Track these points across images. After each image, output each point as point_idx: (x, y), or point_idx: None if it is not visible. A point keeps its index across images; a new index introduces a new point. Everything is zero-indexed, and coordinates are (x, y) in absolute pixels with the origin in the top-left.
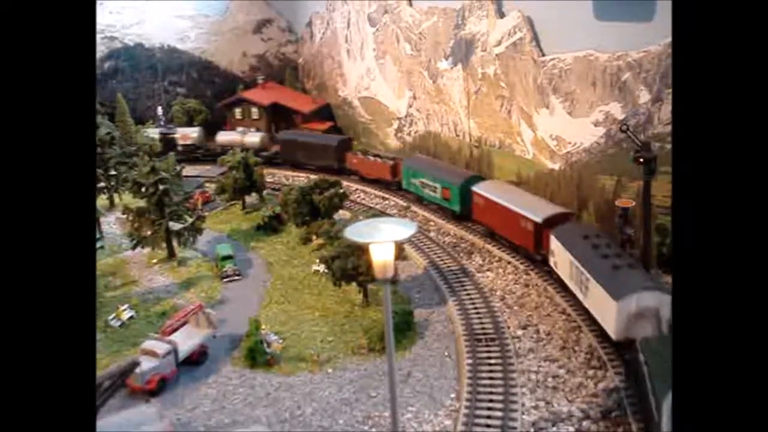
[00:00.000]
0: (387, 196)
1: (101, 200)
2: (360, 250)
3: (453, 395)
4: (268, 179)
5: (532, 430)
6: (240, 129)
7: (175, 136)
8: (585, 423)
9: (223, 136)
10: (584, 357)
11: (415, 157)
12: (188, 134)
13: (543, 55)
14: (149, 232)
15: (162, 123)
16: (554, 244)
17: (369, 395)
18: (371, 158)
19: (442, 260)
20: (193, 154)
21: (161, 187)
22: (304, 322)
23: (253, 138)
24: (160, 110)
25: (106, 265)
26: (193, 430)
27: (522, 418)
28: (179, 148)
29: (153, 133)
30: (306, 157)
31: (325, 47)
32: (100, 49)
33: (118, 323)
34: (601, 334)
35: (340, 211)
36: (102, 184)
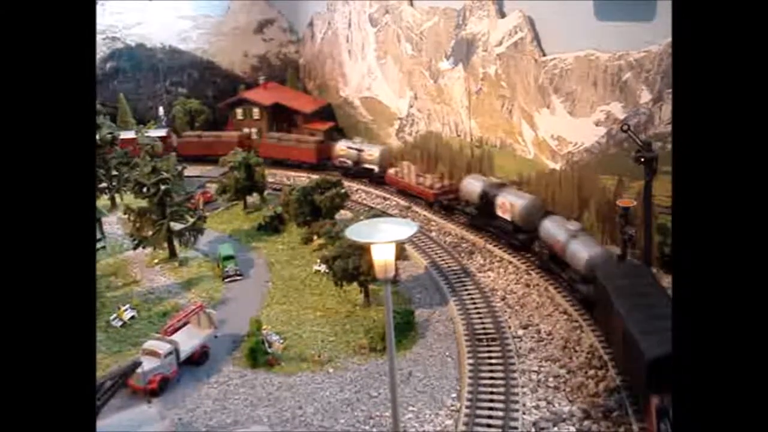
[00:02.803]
0: (388, 196)
1: (103, 200)
2: (361, 250)
3: (454, 395)
4: (270, 179)
5: (533, 429)
6: (358, 140)
7: (362, 153)
8: (586, 423)
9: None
10: (585, 357)
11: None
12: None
13: (544, 54)
14: (151, 233)
15: (163, 123)
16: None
17: (370, 395)
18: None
19: (443, 260)
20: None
21: (163, 187)
22: (306, 322)
23: (372, 151)
24: (161, 110)
25: (108, 265)
26: (194, 430)
27: (523, 417)
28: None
29: (343, 148)
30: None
31: (326, 47)
32: (102, 50)
33: (120, 323)
34: (601, 334)
35: (342, 211)
36: (103, 185)
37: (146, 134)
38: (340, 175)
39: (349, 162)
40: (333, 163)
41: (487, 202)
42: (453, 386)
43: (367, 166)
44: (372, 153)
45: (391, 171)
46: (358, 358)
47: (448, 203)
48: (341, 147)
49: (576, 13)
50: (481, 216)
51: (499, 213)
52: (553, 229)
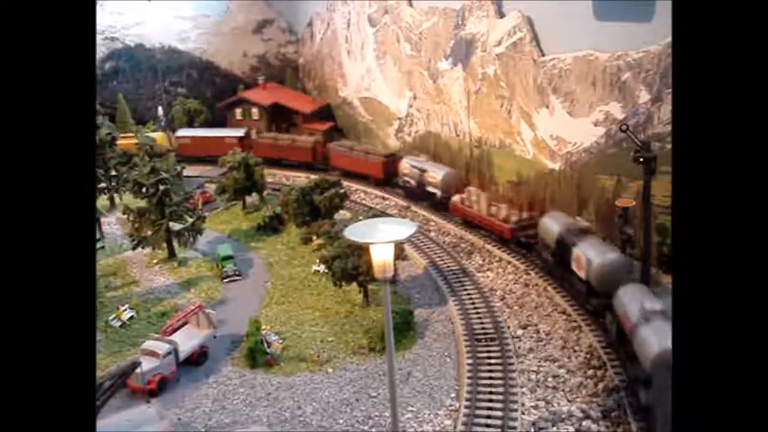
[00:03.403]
0: (387, 196)
1: (102, 201)
2: (360, 250)
3: (453, 395)
4: (269, 179)
5: (532, 429)
6: (423, 158)
7: (425, 173)
8: (585, 423)
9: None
10: (584, 357)
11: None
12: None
13: (543, 55)
14: (150, 233)
15: (162, 124)
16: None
17: (369, 395)
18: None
19: (442, 260)
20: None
21: (162, 187)
22: (305, 322)
23: (436, 173)
24: (160, 110)
25: (107, 266)
26: (193, 430)
27: (522, 417)
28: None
29: (407, 166)
30: None
31: (325, 47)
32: (101, 50)
33: (119, 323)
34: (601, 333)
35: (341, 212)
36: (102, 185)
37: (229, 134)
38: (340, 176)
39: (413, 182)
40: (398, 181)
41: (563, 250)
42: (452, 386)
43: (429, 189)
44: (435, 175)
45: (457, 198)
46: (357, 358)
47: (527, 241)
48: (405, 165)
49: (575, 14)
50: (557, 266)
51: (575, 268)
52: (628, 301)
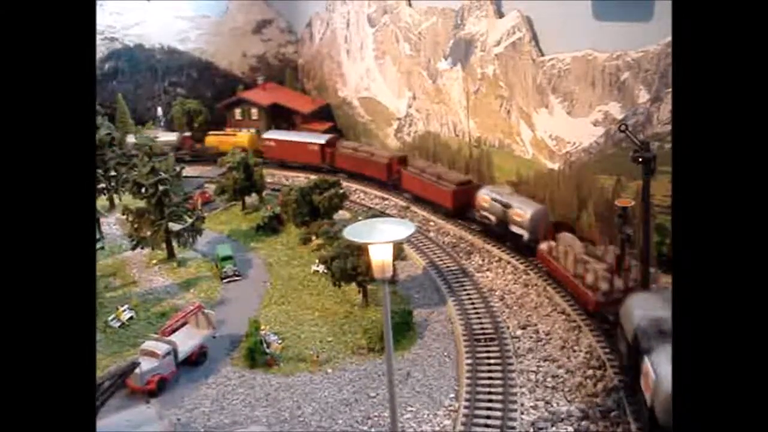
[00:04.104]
0: (387, 196)
1: (101, 201)
2: (359, 251)
3: (452, 395)
4: (268, 180)
5: (531, 429)
6: (506, 190)
7: (509, 210)
8: (584, 423)
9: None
10: (583, 357)
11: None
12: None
13: (542, 55)
14: (149, 233)
15: (161, 124)
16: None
17: (368, 395)
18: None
19: (441, 260)
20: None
21: (161, 187)
22: (304, 323)
23: (523, 210)
24: (160, 111)
25: (106, 266)
26: (192, 430)
27: (521, 417)
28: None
29: (486, 199)
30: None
31: (324, 48)
32: (100, 50)
33: (118, 324)
34: (600, 334)
35: (340, 212)
36: (102, 185)
37: (312, 140)
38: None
39: (493, 218)
40: (473, 215)
41: (635, 352)
42: (451, 386)
43: (514, 229)
44: (522, 213)
45: (545, 246)
46: (357, 358)
47: (615, 320)
48: (484, 196)
49: (574, 14)
50: (629, 370)
51: (642, 384)
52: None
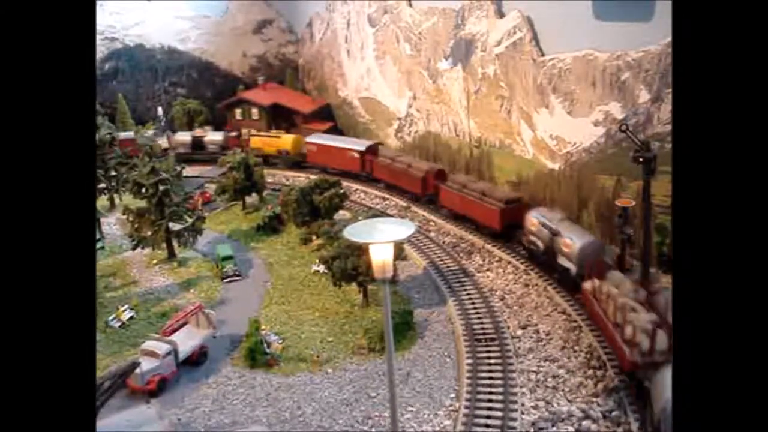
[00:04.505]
0: (387, 196)
1: (101, 201)
2: (360, 251)
3: (453, 395)
4: (269, 180)
5: (531, 429)
6: (557, 216)
7: (557, 237)
8: (585, 423)
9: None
10: (584, 357)
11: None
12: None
13: (543, 54)
14: (149, 233)
15: (162, 124)
16: None
17: (369, 395)
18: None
19: (441, 260)
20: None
21: (161, 187)
22: (304, 323)
23: (572, 240)
24: (160, 111)
25: (107, 266)
26: (193, 430)
27: (522, 417)
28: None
29: (535, 222)
30: None
31: (325, 47)
32: (101, 50)
33: (118, 324)
34: (600, 334)
35: (341, 212)
36: (102, 185)
37: (352, 147)
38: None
39: (540, 245)
40: (520, 238)
41: None
42: (452, 386)
43: (561, 261)
44: (571, 243)
45: (588, 285)
46: (357, 358)
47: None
48: (533, 219)
49: (574, 13)
50: None
51: None
52: None
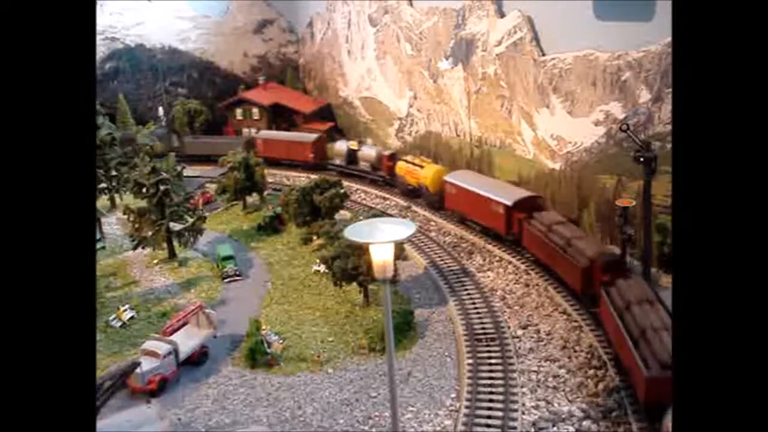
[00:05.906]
0: (387, 196)
1: (102, 201)
2: (360, 250)
3: (453, 395)
4: (269, 179)
5: (532, 429)
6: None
7: None
8: (585, 423)
9: None
10: (585, 357)
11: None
12: None
13: (543, 54)
14: (150, 233)
15: (162, 124)
16: None
17: (369, 395)
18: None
19: (442, 260)
20: None
21: (162, 187)
22: (305, 323)
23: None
24: (161, 111)
25: (107, 266)
26: (193, 430)
27: (522, 417)
28: None
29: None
30: None
31: (325, 47)
32: (101, 50)
33: (119, 324)
34: (601, 333)
35: (341, 212)
36: (103, 185)
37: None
38: (339, 175)
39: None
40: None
41: None
42: (452, 386)
43: None
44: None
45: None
46: (358, 358)
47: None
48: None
49: (575, 13)
50: None
51: None
52: None
